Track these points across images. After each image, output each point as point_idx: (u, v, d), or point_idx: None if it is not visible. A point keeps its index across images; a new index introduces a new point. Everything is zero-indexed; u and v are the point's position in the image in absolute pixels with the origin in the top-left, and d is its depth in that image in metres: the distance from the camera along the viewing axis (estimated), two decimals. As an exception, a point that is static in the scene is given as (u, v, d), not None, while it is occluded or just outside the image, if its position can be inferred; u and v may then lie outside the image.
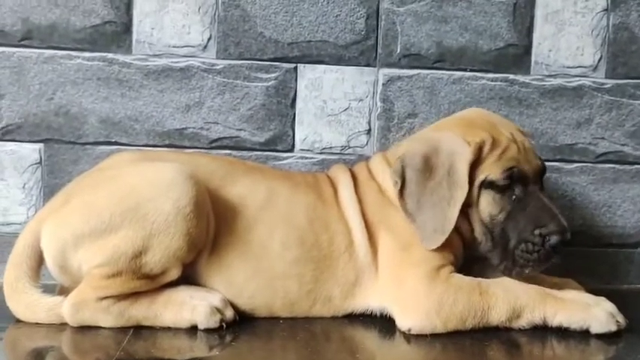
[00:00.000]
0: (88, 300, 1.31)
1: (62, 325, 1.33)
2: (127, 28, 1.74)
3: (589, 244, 1.85)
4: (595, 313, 1.36)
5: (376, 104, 1.80)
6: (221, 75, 1.76)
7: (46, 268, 1.37)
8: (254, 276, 1.40)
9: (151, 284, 1.33)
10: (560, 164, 1.85)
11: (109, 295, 1.31)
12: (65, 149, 1.73)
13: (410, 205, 1.40)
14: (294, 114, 1.79)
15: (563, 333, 1.36)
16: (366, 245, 1.43)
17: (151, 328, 1.33)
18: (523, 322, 1.36)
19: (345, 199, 1.49)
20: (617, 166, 1.87)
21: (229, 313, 1.36)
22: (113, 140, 1.74)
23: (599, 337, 1.35)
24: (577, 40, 1.84)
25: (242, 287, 1.40)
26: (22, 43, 1.71)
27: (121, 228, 1.29)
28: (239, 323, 1.38)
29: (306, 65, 1.78)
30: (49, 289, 1.39)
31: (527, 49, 1.83)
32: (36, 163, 1.72)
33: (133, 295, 1.33)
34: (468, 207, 1.40)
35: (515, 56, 1.83)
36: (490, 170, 1.40)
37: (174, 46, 1.75)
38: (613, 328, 1.35)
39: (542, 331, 1.36)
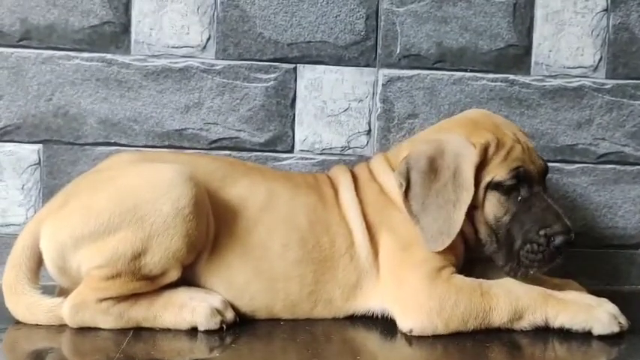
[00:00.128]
0: (88, 301, 1.30)
1: (62, 327, 1.32)
2: (126, 28, 1.73)
3: (590, 245, 1.85)
4: (597, 314, 1.35)
5: (376, 105, 1.80)
6: (220, 75, 1.75)
7: (46, 270, 1.36)
8: (254, 277, 1.39)
9: (151, 286, 1.33)
10: (560, 165, 1.85)
11: (108, 296, 1.30)
12: (64, 150, 1.72)
13: (415, 207, 1.39)
14: (294, 114, 1.78)
15: (564, 334, 1.35)
16: (367, 246, 1.43)
17: (150, 330, 1.32)
18: (525, 324, 1.35)
19: (345, 200, 1.49)
20: (618, 166, 1.87)
21: (229, 315, 1.36)
22: (112, 141, 1.73)
23: (601, 338, 1.34)
24: (577, 41, 1.84)
25: (242, 289, 1.39)
26: (21, 43, 1.70)
27: (120, 229, 1.28)
28: (239, 325, 1.37)
29: (306, 66, 1.78)
30: (49, 291, 1.38)
31: (528, 50, 1.83)
32: (35, 164, 1.72)
33: (133, 297, 1.32)
34: (472, 209, 1.40)
35: (516, 57, 1.82)
36: (496, 171, 1.40)
37: (173, 47, 1.74)
38: (615, 329, 1.34)
39: (543, 333, 1.35)
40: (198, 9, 1.74)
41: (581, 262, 1.82)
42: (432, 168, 1.40)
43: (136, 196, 1.31)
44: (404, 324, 1.35)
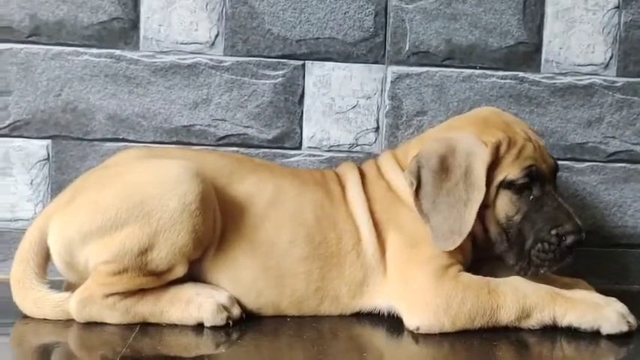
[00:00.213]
0: (95, 296, 1.30)
1: (69, 321, 1.33)
2: (135, 24, 1.73)
3: (599, 244, 1.83)
4: (606, 313, 1.34)
5: (384, 102, 1.79)
6: (229, 72, 1.75)
7: (53, 265, 1.37)
8: (261, 273, 1.39)
9: (157, 281, 1.33)
10: (570, 163, 1.83)
11: (115, 291, 1.30)
12: (73, 145, 1.73)
13: (425, 206, 1.38)
14: (302, 111, 1.78)
15: (573, 333, 1.34)
16: (374, 244, 1.42)
17: (157, 325, 1.32)
18: (532, 322, 1.34)
19: (353, 197, 1.48)
20: (628, 165, 1.85)
21: (236, 311, 1.36)
22: (120, 137, 1.74)
23: (610, 337, 1.33)
24: (588, 38, 1.82)
25: (249, 285, 1.39)
26: (30, 39, 1.71)
27: (127, 225, 1.29)
28: (245, 321, 1.37)
29: (314, 62, 1.77)
30: (56, 285, 1.39)
31: (538, 47, 1.81)
32: (44, 160, 1.72)
33: (140, 292, 1.32)
34: (483, 208, 1.39)
35: (526, 54, 1.81)
36: (509, 170, 1.39)
37: (181, 43, 1.74)
38: (624, 328, 1.33)
39: (551, 332, 1.34)
40: (206, 5, 1.74)
41: (590, 261, 1.80)
42: (443, 167, 1.39)
43: (143, 191, 1.31)
44: (411, 321, 1.35)
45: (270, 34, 1.76)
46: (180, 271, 1.34)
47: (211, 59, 1.75)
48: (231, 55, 1.75)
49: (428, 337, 1.32)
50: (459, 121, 1.53)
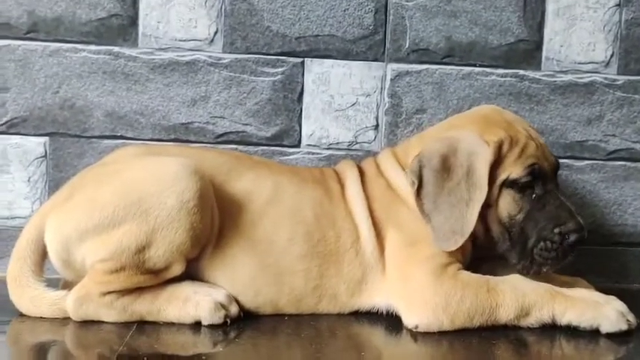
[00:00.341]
0: (92, 294, 1.30)
1: (65, 320, 1.32)
2: (133, 21, 1.72)
3: (599, 243, 1.83)
4: (605, 311, 1.33)
5: (384, 99, 1.79)
6: (227, 69, 1.75)
7: (50, 262, 1.36)
8: (259, 271, 1.38)
9: (155, 279, 1.32)
10: (570, 161, 1.83)
11: (112, 289, 1.30)
12: (70, 143, 1.72)
13: (427, 206, 1.38)
14: (301, 109, 1.77)
15: (572, 332, 1.34)
16: (373, 242, 1.42)
17: (154, 324, 1.32)
18: (532, 321, 1.34)
19: (352, 195, 1.47)
20: (629, 163, 1.84)
21: (234, 309, 1.35)
22: (119, 134, 1.73)
23: (609, 336, 1.32)
24: (589, 36, 1.81)
25: (247, 283, 1.38)
26: (28, 36, 1.70)
27: (125, 222, 1.28)
28: (243, 319, 1.36)
29: (314, 60, 1.76)
30: (53, 283, 1.38)
31: (538, 45, 1.80)
32: (41, 157, 1.72)
33: (137, 291, 1.32)
34: (485, 207, 1.38)
35: (526, 52, 1.80)
36: (511, 169, 1.39)
37: (180, 40, 1.74)
38: (624, 327, 1.33)
39: (550, 330, 1.34)
40: (205, 2, 1.73)
41: (590, 259, 1.80)
42: (445, 166, 1.38)
43: (141, 189, 1.30)
44: (409, 320, 1.34)
45: (269, 31, 1.75)
46: (177, 269, 1.33)
47: (210, 56, 1.74)
48: (230, 53, 1.75)
49: (426, 335, 1.32)
50: (459, 119, 1.52)
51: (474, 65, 1.79)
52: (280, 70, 1.76)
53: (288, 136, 1.77)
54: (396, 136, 1.78)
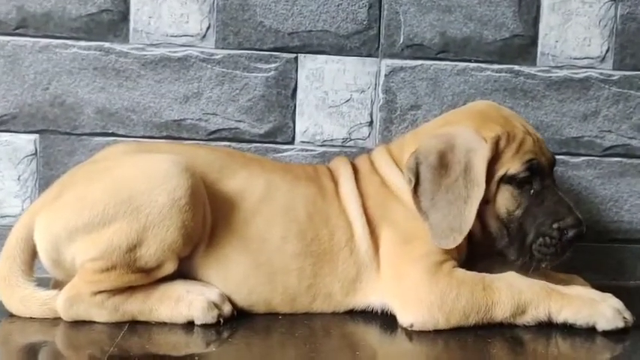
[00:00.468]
0: (82, 294, 1.28)
1: (56, 320, 1.31)
2: (124, 16, 1.70)
3: (595, 240, 1.82)
4: (601, 309, 1.33)
5: (378, 95, 1.77)
6: (220, 65, 1.73)
7: (40, 262, 1.34)
8: (252, 270, 1.37)
9: (146, 278, 1.31)
10: (565, 158, 1.82)
11: (103, 289, 1.28)
12: (61, 140, 1.70)
13: (424, 204, 1.36)
14: (295, 105, 1.75)
15: (568, 330, 1.33)
16: (367, 240, 1.41)
17: (146, 324, 1.30)
18: (527, 318, 1.33)
19: (346, 192, 1.46)
20: (624, 159, 1.83)
21: (227, 309, 1.34)
22: (110, 131, 1.71)
23: (606, 334, 1.32)
24: (584, 31, 1.80)
25: (240, 282, 1.37)
26: (17, 31, 1.68)
27: (115, 221, 1.26)
28: (237, 319, 1.35)
29: (307, 55, 1.75)
30: (44, 283, 1.37)
31: (533, 40, 1.79)
32: (31, 155, 1.70)
33: (128, 290, 1.30)
34: (483, 203, 1.37)
35: (521, 47, 1.79)
36: (510, 164, 1.38)
37: (172, 36, 1.72)
38: (620, 324, 1.32)
39: (546, 328, 1.33)
40: (197, -3, 1.71)
41: (587, 256, 1.79)
42: (443, 163, 1.37)
43: (132, 187, 1.28)
44: (404, 319, 1.33)
45: (262, 26, 1.73)
46: (169, 267, 1.31)
47: (202, 52, 1.72)
48: (222, 48, 1.73)
49: (422, 334, 1.31)
50: (455, 115, 1.51)
51: (469, 61, 1.78)
52: (273, 66, 1.74)
53: (281, 133, 1.76)
54: (390, 133, 1.77)
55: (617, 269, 1.84)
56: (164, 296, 1.31)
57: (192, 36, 1.72)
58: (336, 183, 1.49)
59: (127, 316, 1.30)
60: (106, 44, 1.70)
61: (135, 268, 1.28)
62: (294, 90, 1.75)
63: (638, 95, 1.82)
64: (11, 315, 1.34)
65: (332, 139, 1.77)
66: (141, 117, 1.71)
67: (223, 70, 1.73)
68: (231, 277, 1.37)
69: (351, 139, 1.78)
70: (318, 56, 1.75)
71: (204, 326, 1.30)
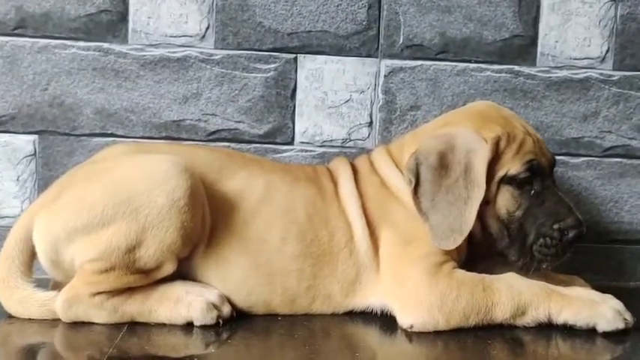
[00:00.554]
0: (81, 295, 1.28)
1: (55, 321, 1.30)
2: (123, 17, 1.70)
3: (595, 241, 1.82)
4: (602, 310, 1.32)
5: (378, 96, 1.77)
6: (219, 65, 1.72)
7: (40, 263, 1.34)
8: (252, 271, 1.36)
9: (146, 279, 1.30)
10: (565, 158, 1.81)
11: (102, 290, 1.28)
12: (60, 141, 1.69)
13: (424, 205, 1.36)
14: (294, 106, 1.75)
15: (568, 331, 1.32)
16: (367, 241, 1.40)
17: (145, 325, 1.30)
18: (528, 320, 1.33)
19: (345, 193, 1.46)
20: (625, 160, 1.83)
21: (226, 310, 1.33)
22: (109, 132, 1.70)
23: (606, 335, 1.31)
24: (584, 31, 1.80)
25: (239, 283, 1.36)
26: (16, 32, 1.67)
27: (114, 222, 1.26)
28: (236, 320, 1.35)
29: (307, 56, 1.74)
30: (44, 284, 1.36)
31: (533, 40, 1.79)
32: (30, 155, 1.69)
33: (127, 291, 1.30)
34: (483, 204, 1.37)
35: (521, 47, 1.79)
36: (510, 165, 1.38)
37: (171, 36, 1.71)
38: (620, 325, 1.32)
39: (547, 330, 1.33)
40: (196, -3, 1.71)
41: (587, 257, 1.79)
42: (443, 164, 1.37)
43: (131, 187, 1.28)
44: (404, 320, 1.33)
45: (261, 26, 1.73)
46: (168, 268, 1.31)
47: (201, 52, 1.72)
48: (221, 49, 1.72)
49: (421, 335, 1.30)
50: (455, 115, 1.50)
51: (469, 61, 1.78)
52: (273, 66, 1.74)
53: (281, 134, 1.75)
54: (390, 133, 1.76)
55: (618, 270, 1.84)
56: (163, 297, 1.31)
57: (191, 36, 1.72)
58: (335, 184, 1.48)
59: (126, 317, 1.30)
60: (105, 45, 1.69)
61: (134, 269, 1.28)
62: (294, 90, 1.75)
63: (638, 96, 1.82)
64: (10, 316, 1.33)
65: (331, 140, 1.77)
66: (140, 117, 1.71)
67: (223, 70, 1.73)
68: (231, 278, 1.36)
69: (350, 140, 1.77)
70: (318, 57, 1.75)
71: (204, 327, 1.30)
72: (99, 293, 1.28)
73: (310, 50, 1.74)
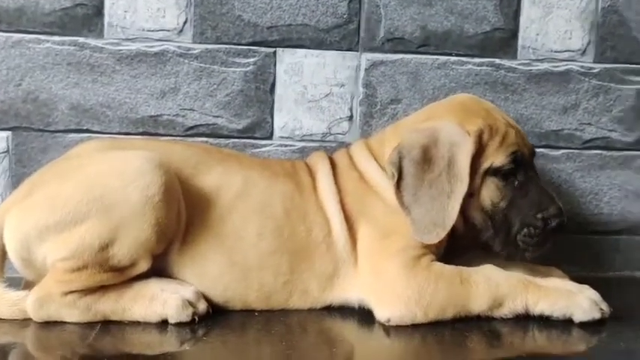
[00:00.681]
0: (53, 294, 1.26)
1: (26, 321, 1.28)
2: (99, 10, 1.67)
3: (575, 232, 1.82)
4: (578, 300, 1.33)
5: (358, 90, 1.76)
6: (197, 60, 1.70)
7: (11, 262, 1.32)
8: (228, 267, 1.35)
9: (119, 277, 1.29)
10: (545, 150, 1.81)
11: (74, 289, 1.26)
12: (34, 137, 1.67)
13: (406, 199, 1.35)
14: (273, 100, 1.74)
15: (545, 322, 1.33)
16: (345, 236, 1.39)
17: (119, 323, 1.28)
18: (505, 311, 1.33)
19: (323, 188, 1.45)
20: (604, 152, 1.83)
21: (202, 306, 1.32)
22: (84, 128, 1.68)
23: (582, 325, 1.32)
24: (565, 24, 1.80)
25: (215, 279, 1.35)
26: (-12, 27, 1.64)
27: (87, 219, 1.24)
28: (212, 316, 1.34)
29: (286, 49, 1.73)
30: (16, 283, 1.34)
31: (514, 33, 1.78)
32: (3, 152, 1.67)
33: (101, 289, 1.28)
34: (467, 196, 1.36)
35: (502, 40, 1.78)
36: (494, 157, 1.38)
37: (148, 30, 1.69)
38: (597, 315, 1.32)
39: (524, 321, 1.33)
40: (173, -9, 1.69)
41: (566, 248, 1.79)
42: (426, 158, 1.36)
43: (104, 184, 1.26)
44: (381, 314, 1.32)
45: (240, 20, 1.71)
46: (143, 266, 1.29)
47: (179, 47, 1.70)
48: (199, 43, 1.70)
49: (399, 329, 1.30)
50: (437, 109, 1.49)
51: (450, 54, 1.77)
52: (252, 60, 1.72)
53: (260, 128, 1.74)
54: (370, 127, 1.76)
55: (596, 261, 1.84)
56: (138, 295, 1.29)
57: (168, 30, 1.70)
58: (313, 178, 1.47)
59: (99, 316, 1.28)
60: (81, 39, 1.67)
61: (107, 267, 1.26)
62: (273, 85, 1.73)
63: (619, 88, 1.82)
64: (-20, 316, 1.31)
65: (311, 134, 1.76)
66: (116, 113, 1.69)
67: (201, 65, 1.71)
68: (207, 274, 1.35)
69: (330, 134, 1.76)
70: (297, 50, 1.73)
71: (179, 325, 1.28)
72: (71, 292, 1.26)
73: (290, 44, 1.73)
